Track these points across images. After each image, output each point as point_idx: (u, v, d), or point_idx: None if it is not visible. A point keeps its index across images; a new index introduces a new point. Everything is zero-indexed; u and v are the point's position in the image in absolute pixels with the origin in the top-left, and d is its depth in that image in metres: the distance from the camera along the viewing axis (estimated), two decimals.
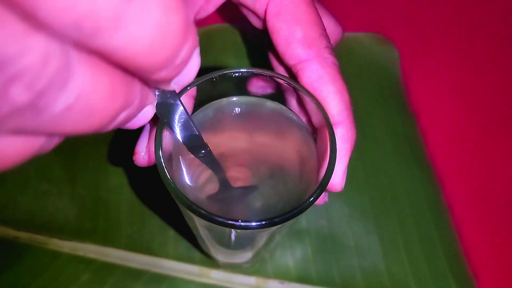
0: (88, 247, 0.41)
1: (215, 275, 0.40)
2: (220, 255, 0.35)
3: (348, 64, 0.51)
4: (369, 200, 0.44)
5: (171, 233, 0.42)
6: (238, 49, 0.51)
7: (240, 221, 0.19)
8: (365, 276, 0.41)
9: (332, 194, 0.43)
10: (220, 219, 0.19)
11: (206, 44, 0.50)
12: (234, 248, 0.32)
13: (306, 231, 0.42)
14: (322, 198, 0.30)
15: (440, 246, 0.42)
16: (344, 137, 0.25)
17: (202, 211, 0.19)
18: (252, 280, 0.40)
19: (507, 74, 0.52)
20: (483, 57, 0.54)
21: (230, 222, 0.19)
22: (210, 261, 0.40)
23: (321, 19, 0.27)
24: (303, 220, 0.43)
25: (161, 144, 0.21)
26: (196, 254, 0.41)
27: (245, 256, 0.35)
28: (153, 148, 0.21)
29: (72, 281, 0.39)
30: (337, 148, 0.22)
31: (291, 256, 0.41)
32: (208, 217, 0.19)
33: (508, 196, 0.45)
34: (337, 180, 0.25)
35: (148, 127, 0.26)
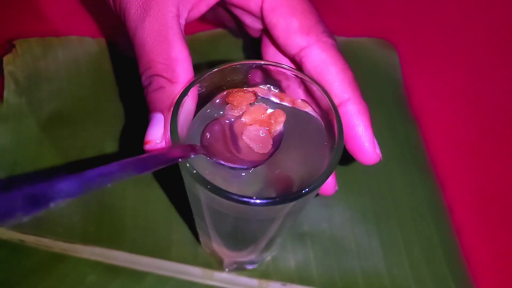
0: (93, 249, 0.41)
1: (218, 277, 0.40)
2: (225, 252, 0.36)
3: None
4: (370, 204, 0.45)
5: (175, 235, 0.42)
6: (242, 52, 0.52)
7: (255, 197, 0.20)
8: (366, 278, 0.41)
9: (333, 198, 0.44)
10: (235, 196, 0.20)
11: (210, 48, 0.52)
12: (239, 242, 0.32)
13: (308, 234, 0.43)
14: (333, 187, 0.31)
15: (440, 249, 0.43)
16: (357, 112, 0.27)
17: (219, 188, 0.20)
18: (255, 282, 0.41)
19: (508, 78, 0.54)
20: (484, 61, 0.55)
21: (245, 199, 0.20)
22: (214, 263, 0.41)
23: (314, 8, 0.29)
24: (305, 223, 0.43)
25: (177, 124, 0.22)
26: (200, 256, 0.41)
27: (249, 254, 0.36)
28: (169, 134, 0.22)
29: (77, 284, 0.39)
30: (356, 123, 0.25)
31: (293, 258, 0.42)
32: (224, 195, 0.20)
33: (508, 199, 0.46)
34: (369, 146, 0.27)
35: (154, 121, 0.27)
